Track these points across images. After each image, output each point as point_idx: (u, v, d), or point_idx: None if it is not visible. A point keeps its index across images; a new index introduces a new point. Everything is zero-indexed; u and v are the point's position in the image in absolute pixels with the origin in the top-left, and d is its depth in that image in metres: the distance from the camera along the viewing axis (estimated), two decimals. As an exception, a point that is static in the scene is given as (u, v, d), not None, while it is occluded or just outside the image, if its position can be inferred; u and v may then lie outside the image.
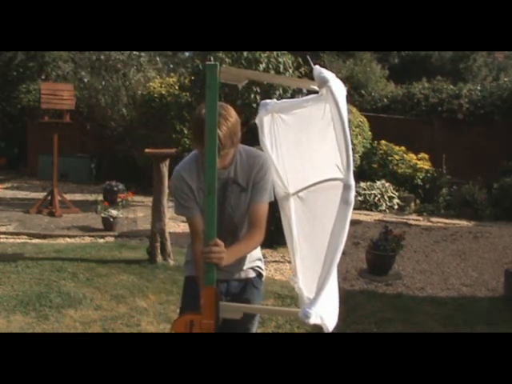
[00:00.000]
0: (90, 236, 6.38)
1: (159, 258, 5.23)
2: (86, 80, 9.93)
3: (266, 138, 2.01)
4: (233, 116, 1.89)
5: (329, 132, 1.65)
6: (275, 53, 6.25)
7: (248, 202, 2.01)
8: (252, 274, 2.17)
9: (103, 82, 9.92)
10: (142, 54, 9.99)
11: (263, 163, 2.00)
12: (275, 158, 2.02)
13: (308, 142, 1.91)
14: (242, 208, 2.02)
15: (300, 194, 2.02)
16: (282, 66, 6.25)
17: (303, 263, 2.05)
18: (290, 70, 6.36)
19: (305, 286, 2.00)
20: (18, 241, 6.04)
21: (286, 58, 6.35)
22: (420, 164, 9.88)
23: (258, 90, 6.19)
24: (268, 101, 1.96)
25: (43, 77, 11.79)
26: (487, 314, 4.26)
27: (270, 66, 6.17)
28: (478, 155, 10.16)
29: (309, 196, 1.98)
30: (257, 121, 2.08)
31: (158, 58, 10.67)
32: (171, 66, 11.70)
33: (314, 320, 1.54)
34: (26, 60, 11.84)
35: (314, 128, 1.81)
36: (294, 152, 1.99)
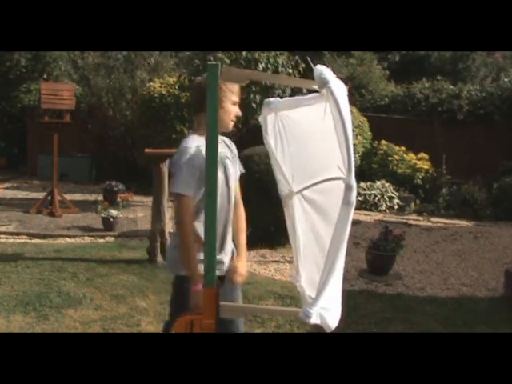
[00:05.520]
0: (89, 236, 6.37)
1: (159, 258, 5.23)
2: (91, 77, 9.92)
3: (271, 137, 2.00)
4: None
5: (333, 131, 1.64)
6: (274, 53, 6.24)
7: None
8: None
9: (108, 81, 9.89)
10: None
11: None
12: (280, 156, 2.01)
13: (318, 140, 1.89)
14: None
15: (305, 192, 2.02)
16: (280, 66, 6.24)
17: (306, 261, 2.05)
18: (289, 70, 6.36)
19: (307, 284, 2.00)
20: (18, 241, 6.04)
21: (284, 59, 6.34)
22: (420, 164, 9.86)
23: (254, 89, 6.16)
24: (271, 99, 1.95)
25: (45, 76, 11.77)
26: (487, 314, 4.26)
27: (269, 66, 6.16)
28: (477, 155, 10.15)
29: (315, 195, 1.98)
30: (260, 119, 2.07)
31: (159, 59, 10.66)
32: (172, 66, 11.67)
33: (314, 320, 1.55)
34: (28, 60, 11.82)
35: (323, 126, 1.80)
36: (304, 150, 1.98)
